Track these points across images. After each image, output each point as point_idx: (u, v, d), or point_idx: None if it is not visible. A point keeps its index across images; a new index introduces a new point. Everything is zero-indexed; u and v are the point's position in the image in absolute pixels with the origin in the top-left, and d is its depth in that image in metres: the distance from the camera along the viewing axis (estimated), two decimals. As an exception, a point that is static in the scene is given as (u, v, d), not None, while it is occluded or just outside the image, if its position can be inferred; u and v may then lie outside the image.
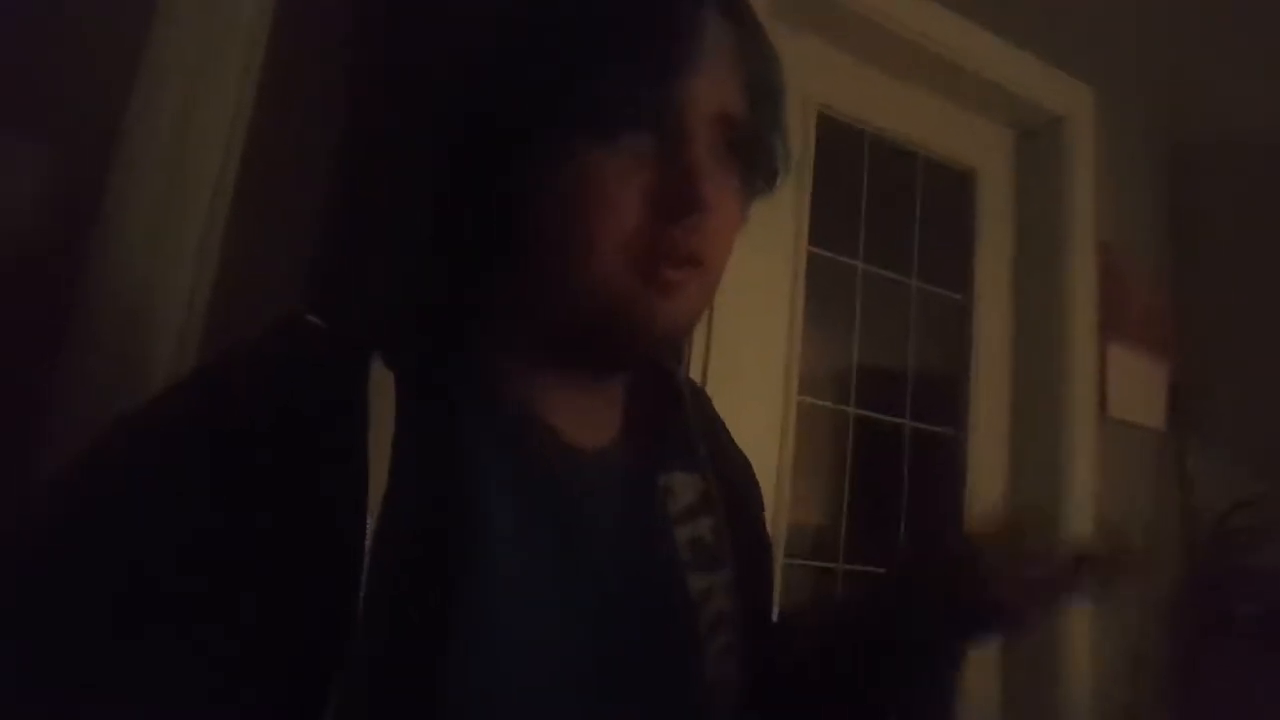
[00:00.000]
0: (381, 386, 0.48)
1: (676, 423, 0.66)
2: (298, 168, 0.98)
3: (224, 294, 0.89)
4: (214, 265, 0.88)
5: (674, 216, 0.51)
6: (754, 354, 1.36)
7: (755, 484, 0.76)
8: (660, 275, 0.52)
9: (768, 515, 0.77)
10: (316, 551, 0.44)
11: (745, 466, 0.76)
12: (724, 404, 0.78)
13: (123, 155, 0.82)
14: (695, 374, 1.23)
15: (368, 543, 0.44)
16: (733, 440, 0.76)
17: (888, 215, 1.63)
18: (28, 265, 0.79)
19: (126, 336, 0.81)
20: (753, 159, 0.57)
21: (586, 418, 0.59)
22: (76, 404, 0.75)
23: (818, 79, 1.49)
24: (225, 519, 0.43)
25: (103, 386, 0.76)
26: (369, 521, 0.44)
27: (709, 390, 0.96)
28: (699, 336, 1.24)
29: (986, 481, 1.63)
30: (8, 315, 0.77)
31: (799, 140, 1.43)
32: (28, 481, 0.68)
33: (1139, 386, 1.76)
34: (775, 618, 0.75)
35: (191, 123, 0.86)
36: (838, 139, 1.54)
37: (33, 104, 0.81)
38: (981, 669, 1.54)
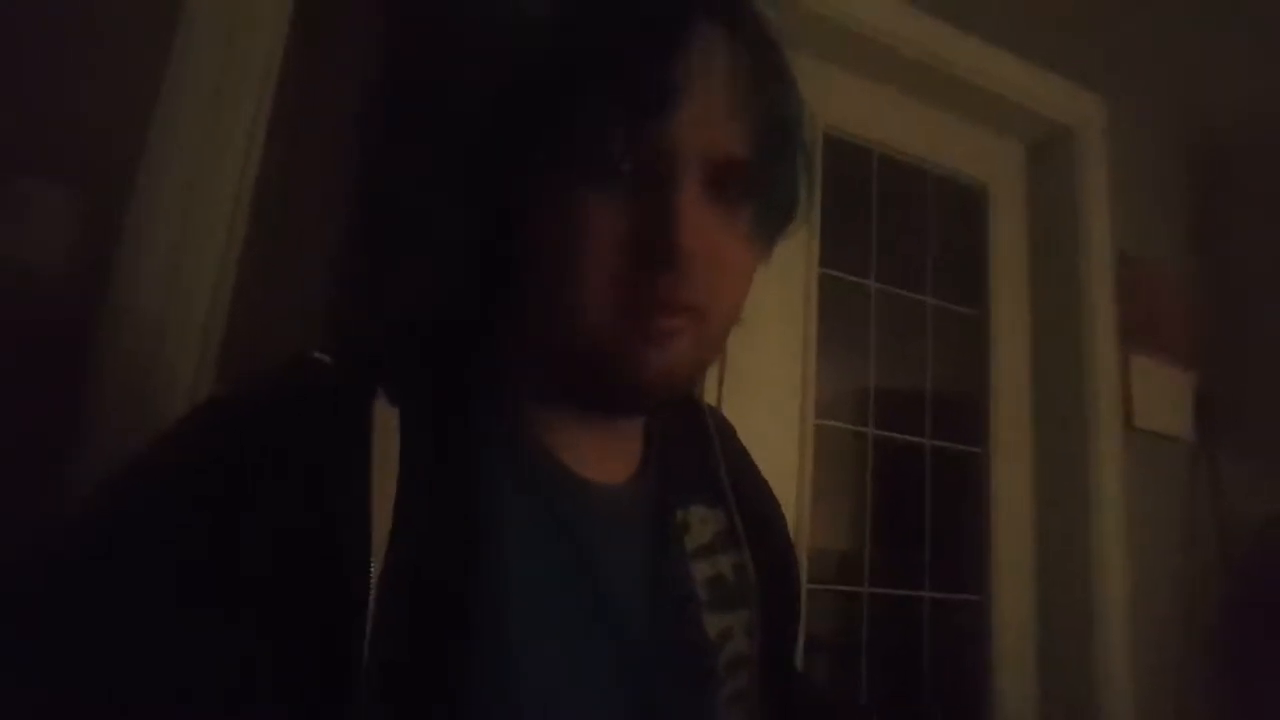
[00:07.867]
0: (387, 424, 0.47)
1: (700, 456, 0.64)
2: (310, 205, 0.99)
3: (238, 332, 0.90)
4: (227, 302, 0.89)
5: (653, 269, 0.47)
6: (769, 378, 1.35)
7: (782, 519, 0.74)
8: (649, 325, 0.48)
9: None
10: (317, 597, 0.42)
11: (772, 502, 0.73)
12: (740, 430, 0.76)
13: (138, 202, 0.84)
14: (710, 401, 1.22)
15: (373, 583, 0.42)
16: (759, 474, 0.74)
17: (900, 234, 1.61)
18: (49, 306, 0.80)
19: (144, 370, 0.82)
20: (762, 197, 0.53)
21: (602, 453, 0.57)
22: (94, 442, 0.76)
23: (822, 99, 1.49)
24: (222, 562, 0.42)
25: (120, 421, 0.78)
26: (373, 562, 0.43)
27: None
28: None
29: (1011, 497, 1.60)
30: (30, 355, 0.77)
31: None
32: (46, 515, 0.68)
33: (1165, 397, 1.72)
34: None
35: (202, 169, 0.88)
36: (845, 159, 1.54)
37: (51, 149, 0.82)
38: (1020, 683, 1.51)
